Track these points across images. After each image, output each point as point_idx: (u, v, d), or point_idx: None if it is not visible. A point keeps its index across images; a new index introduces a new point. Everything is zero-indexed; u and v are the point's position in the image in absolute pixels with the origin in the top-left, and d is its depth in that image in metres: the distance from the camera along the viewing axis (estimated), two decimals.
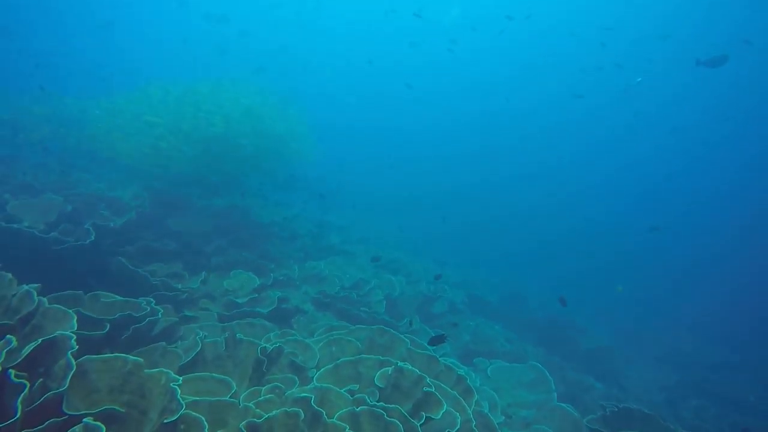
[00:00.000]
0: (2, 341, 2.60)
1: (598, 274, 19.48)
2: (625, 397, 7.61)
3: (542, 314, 11.09)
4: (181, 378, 2.77)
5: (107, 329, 3.51)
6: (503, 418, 4.81)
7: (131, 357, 2.79)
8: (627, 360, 10.25)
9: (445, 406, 3.31)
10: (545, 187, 28.93)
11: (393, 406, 3.20)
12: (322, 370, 3.91)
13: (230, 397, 3.15)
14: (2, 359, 2.48)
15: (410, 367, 3.73)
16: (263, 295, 5.74)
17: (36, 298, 2.96)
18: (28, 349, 2.58)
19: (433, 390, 3.43)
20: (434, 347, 6.70)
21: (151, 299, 4.24)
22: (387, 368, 3.86)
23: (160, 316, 3.97)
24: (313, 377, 3.98)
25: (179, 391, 2.60)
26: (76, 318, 2.96)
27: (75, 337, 2.72)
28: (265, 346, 3.77)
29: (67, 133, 7.08)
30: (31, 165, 7.75)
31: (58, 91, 7.59)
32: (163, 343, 3.77)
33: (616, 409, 4.45)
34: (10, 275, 3.15)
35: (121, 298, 4.13)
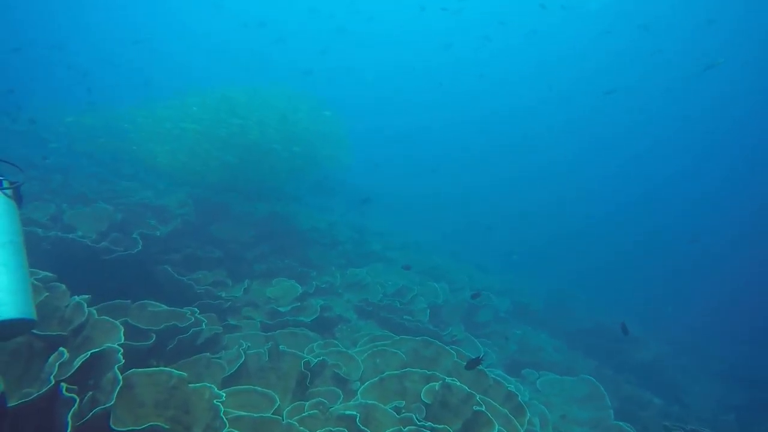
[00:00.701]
0: (55, 354, 2.63)
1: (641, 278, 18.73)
2: (688, 415, 7.11)
3: (590, 322, 10.60)
4: (224, 394, 2.73)
5: (153, 340, 3.52)
6: None
7: (176, 372, 2.76)
8: (685, 373, 9.62)
9: (496, 427, 3.13)
10: (573, 184, 28.34)
11: (441, 426, 3.05)
12: (366, 384, 3.80)
13: (273, 413, 3.08)
14: (55, 372, 2.50)
15: (458, 384, 3.56)
16: (305, 303, 5.71)
17: (86, 309, 2.99)
18: (78, 362, 2.60)
19: (484, 409, 3.25)
20: (480, 359, 6.50)
21: (196, 309, 4.26)
22: (434, 383, 3.71)
23: (204, 327, 3.97)
24: (356, 390, 3.88)
25: (223, 409, 2.54)
26: (123, 330, 2.96)
27: (122, 351, 2.72)
28: (309, 360, 3.69)
29: (116, 143, 7.29)
30: (86, 175, 8.07)
31: (107, 101, 7.82)
32: (208, 354, 3.77)
33: None
34: (63, 287, 3.22)
35: (167, 307, 4.17)
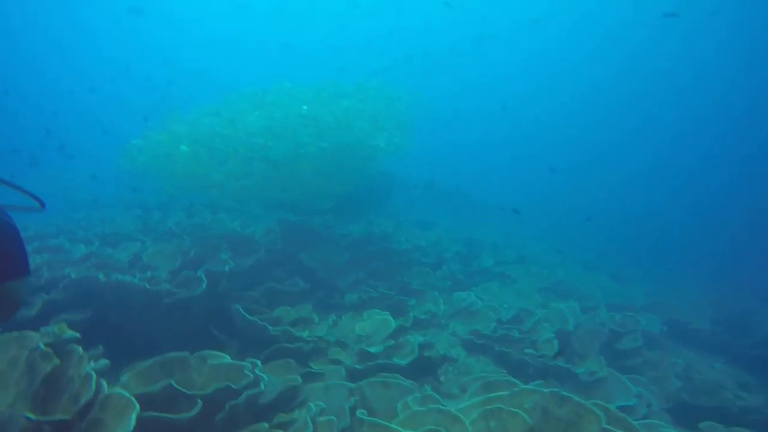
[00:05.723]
0: None
1: None
2: None
3: None
4: None
5: (198, 409, 2.78)
6: None
7: None
8: None
9: None
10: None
11: None
12: None
13: None
14: None
15: None
16: (401, 341, 4.71)
17: (93, 383, 2.31)
18: None
19: None
20: (627, 402, 4.91)
21: (258, 361, 3.50)
22: None
23: (262, 387, 3.15)
24: None
25: None
26: (137, 410, 2.22)
27: None
28: None
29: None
30: (182, 209, 8.03)
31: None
32: (266, 424, 2.93)
33: None
34: (80, 350, 2.60)
35: (230, 360, 3.46)
